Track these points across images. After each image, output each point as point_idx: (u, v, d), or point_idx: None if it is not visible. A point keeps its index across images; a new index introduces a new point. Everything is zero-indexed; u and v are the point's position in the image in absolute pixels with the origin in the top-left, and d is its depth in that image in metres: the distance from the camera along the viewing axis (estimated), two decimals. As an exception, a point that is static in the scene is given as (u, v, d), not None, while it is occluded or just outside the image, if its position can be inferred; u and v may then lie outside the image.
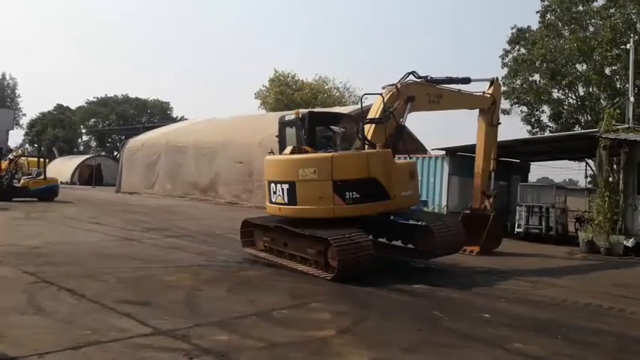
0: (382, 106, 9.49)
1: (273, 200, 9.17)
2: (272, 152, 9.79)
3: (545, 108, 30.48)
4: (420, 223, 9.48)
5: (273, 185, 9.16)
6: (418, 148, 23.14)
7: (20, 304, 5.80)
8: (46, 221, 14.95)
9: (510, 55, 30.63)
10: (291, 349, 4.83)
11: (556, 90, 29.66)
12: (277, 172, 9.21)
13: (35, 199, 21.75)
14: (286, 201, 8.80)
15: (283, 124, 9.98)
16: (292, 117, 9.75)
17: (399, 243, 10.07)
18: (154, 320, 5.38)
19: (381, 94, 9.69)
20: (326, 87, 50.96)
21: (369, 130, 9.34)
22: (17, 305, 5.76)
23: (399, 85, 9.86)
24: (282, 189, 8.85)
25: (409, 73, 10.34)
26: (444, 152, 17.68)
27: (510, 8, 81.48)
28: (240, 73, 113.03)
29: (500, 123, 13.25)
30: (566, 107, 30.13)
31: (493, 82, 12.73)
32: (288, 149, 9.18)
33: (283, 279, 8.16)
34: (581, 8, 28.12)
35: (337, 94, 50.16)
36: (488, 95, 12.50)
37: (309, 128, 9.36)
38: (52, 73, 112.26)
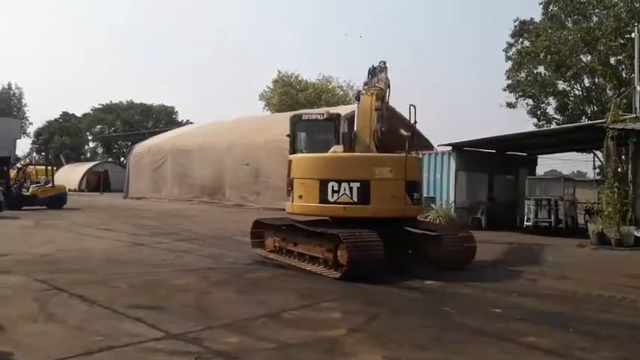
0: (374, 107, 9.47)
1: (333, 200, 8.74)
2: (301, 151, 9.69)
3: (551, 100, 30.32)
4: (432, 232, 9.37)
5: (333, 184, 8.74)
6: (424, 144, 23.08)
7: (32, 312, 5.84)
8: (55, 229, 15.04)
9: (514, 48, 30.45)
10: (302, 350, 4.83)
11: (561, 82, 29.47)
12: (342, 170, 8.89)
13: (44, 207, 21.89)
14: (355, 200, 8.66)
15: (302, 123, 9.95)
16: (318, 117, 9.83)
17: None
18: (165, 324, 5.40)
19: (371, 95, 9.62)
20: (330, 86, 50.92)
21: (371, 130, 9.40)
22: (29, 313, 5.80)
23: (382, 85, 9.77)
24: (351, 188, 8.66)
25: (375, 68, 10.07)
26: (450, 148, 17.63)
27: (512, 1, 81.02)
28: (244, 75, 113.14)
29: None
30: (571, 99, 29.95)
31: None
32: (338, 147, 9.18)
33: (293, 279, 8.16)
34: (583, -1, 27.94)
35: (341, 93, 50.10)
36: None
37: (348, 128, 9.71)
38: (57, 81, 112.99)
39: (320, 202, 8.83)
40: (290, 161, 9.53)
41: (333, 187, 8.73)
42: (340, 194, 8.73)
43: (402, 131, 9.42)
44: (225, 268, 9.15)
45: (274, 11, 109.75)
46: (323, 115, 9.93)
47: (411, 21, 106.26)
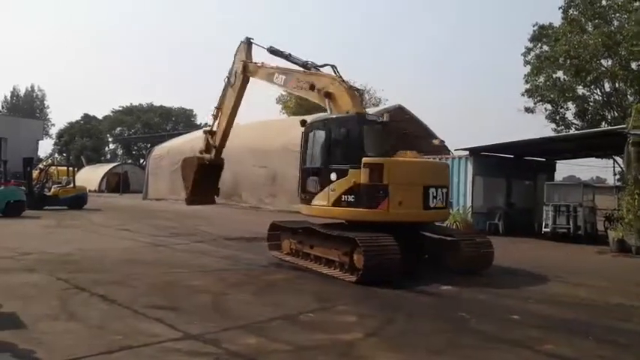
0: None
1: (433, 205, 8.85)
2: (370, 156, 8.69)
3: (570, 105, 29.91)
4: (449, 237, 9.33)
5: (432, 190, 8.85)
6: (441, 148, 22.97)
7: (54, 310, 5.96)
8: (76, 229, 15.30)
9: (532, 53, 30.16)
10: (318, 353, 4.86)
11: (581, 86, 29.07)
12: (435, 176, 9.32)
13: (65, 207, 22.24)
14: (443, 205, 9.14)
15: (368, 124, 9.23)
16: (380, 118, 9.51)
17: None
18: (183, 325, 5.48)
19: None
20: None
21: None
22: (51, 311, 5.92)
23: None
24: (443, 193, 9.10)
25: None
26: (467, 152, 17.52)
27: (529, 5, 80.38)
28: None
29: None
30: (591, 104, 29.53)
31: None
32: (411, 153, 9.23)
33: (309, 282, 8.19)
34: (604, 3, 27.55)
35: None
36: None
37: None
38: (79, 83, 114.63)
39: (424, 209, 8.81)
40: (380, 164, 8.53)
41: (432, 192, 8.88)
42: (437, 199, 8.93)
43: (435, 140, 9.64)
44: (241, 270, 9.23)
45: (293, 15, 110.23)
46: (382, 116, 9.66)
47: (425, 26, 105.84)
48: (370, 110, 26.00)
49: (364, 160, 8.55)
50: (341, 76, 10.11)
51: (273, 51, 11.68)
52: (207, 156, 12.92)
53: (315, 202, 9.16)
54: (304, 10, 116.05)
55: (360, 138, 8.98)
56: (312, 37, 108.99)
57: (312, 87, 10.09)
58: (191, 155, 13.87)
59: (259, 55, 12.04)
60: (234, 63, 12.29)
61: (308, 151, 9.79)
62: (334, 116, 9.44)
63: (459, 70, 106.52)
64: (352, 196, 8.55)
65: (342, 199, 8.65)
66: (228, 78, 12.40)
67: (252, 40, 12.17)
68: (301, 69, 10.98)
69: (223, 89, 12.58)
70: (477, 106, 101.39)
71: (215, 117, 13.07)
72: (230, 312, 6.28)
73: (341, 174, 8.74)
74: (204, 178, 12.72)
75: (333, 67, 10.38)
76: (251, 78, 12.02)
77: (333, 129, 9.31)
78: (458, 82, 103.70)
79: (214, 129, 13.01)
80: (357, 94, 10.15)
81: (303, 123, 10.11)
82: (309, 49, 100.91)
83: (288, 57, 11.40)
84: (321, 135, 9.52)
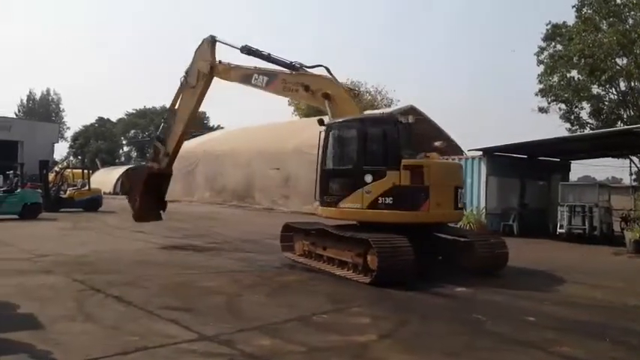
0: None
1: (459, 206, 9.32)
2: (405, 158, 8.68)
3: (585, 104, 29.63)
4: (463, 238, 9.26)
5: (460, 191, 9.36)
6: (454, 149, 22.86)
7: (71, 311, 6.03)
8: (91, 231, 15.46)
9: (546, 52, 29.92)
10: (332, 354, 4.87)
11: (595, 86, 28.77)
12: (460, 177, 9.69)
13: (80, 210, 22.48)
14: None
15: (401, 126, 9.03)
16: (407, 119, 9.21)
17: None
18: (198, 326, 5.51)
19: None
20: (357, 91, 50.83)
21: None
22: (68, 312, 5.98)
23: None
24: (463, 194, 9.69)
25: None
26: (480, 153, 17.41)
27: (541, 4, 79.64)
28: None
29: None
30: (606, 103, 29.21)
31: None
32: (433, 154, 9.28)
33: (322, 283, 8.20)
34: (619, 1, 27.23)
35: (369, 98, 49.99)
36: None
37: None
38: (93, 86, 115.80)
39: (454, 209, 9.05)
40: (420, 166, 8.60)
41: (459, 193, 9.15)
42: (460, 200, 9.17)
43: (436, 143, 9.62)
44: (255, 271, 9.26)
45: (303, 17, 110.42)
46: (409, 118, 9.49)
47: (438, 26, 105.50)
48: (379, 111, 25.99)
49: (404, 162, 8.53)
50: (335, 78, 9.94)
51: (249, 50, 10.88)
52: (156, 165, 12.09)
53: (344, 204, 8.87)
54: (311, 11, 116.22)
55: (398, 139, 8.89)
56: (312, 37, 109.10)
57: (306, 88, 9.90)
58: (141, 165, 13.17)
59: (227, 56, 11.49)
60: (194, 62, 11.58)
61: (331, 151, 9.43)
62: (369, 116, 9.54)
63: (468, 70, 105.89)
64: (391, 198, 8.44)
65: (379, 202, 8.50)
66: (186, 78, 11.63)
67: (216, 39, 11.51)
68: (286, 70, 10.50)
69: (179, 90, 11.75)
70: (487, 106, 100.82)
71: (166, 121, 12.19)
72: (244, 313, 6.30)
73: (377, 175, 8.58)
74: (152, 190, 11.98)
75: (326, 68, 10.01)
76: (218, 79, 11.39)
77: (369, 129, 9.13)
78: (466, 82, 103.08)
79: (162, 136, 12.25)
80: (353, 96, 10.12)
81: (321, 122, 9.62)
82: (309, 48, 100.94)
83: (268, 57, 10.76)
84: (349, 135, 9.33)
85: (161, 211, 12.63)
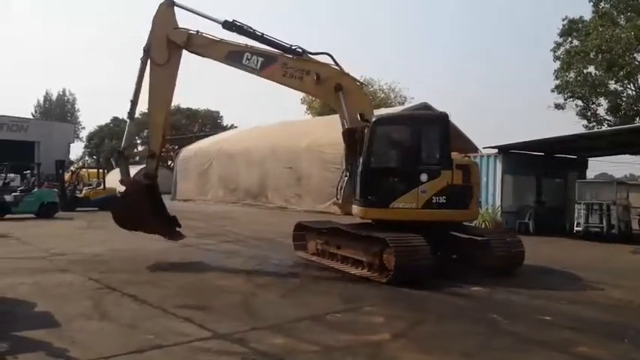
0: None
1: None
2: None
3: (602, 101, 29.22)
4: (479, 237, 9.17)
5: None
6: (469, 146, 22.66)
7: (87, 310, 6.10)
8: (106, 229, 15.53)
9: (562, 48, 29.54)
10: (346, 353, 4.85)
11: (613, 81, 28.36)
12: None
13: (96, 209, 22.70)
14: None
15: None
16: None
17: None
18: (212, 324, 5.53)
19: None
20: (371, 89, 50.72)
21: None
22: (84, 311, 6.05)
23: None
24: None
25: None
26: (496, 150, 17.24)
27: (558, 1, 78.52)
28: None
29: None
30: (624, 99, 28.76)
31: None
32: (457, 154, 9.40)
33: (336, 282, 8.17)
34: (637, -5, 26.84)
35: (382, 96, 49.81)
36: None
37: None
38: (108, 86, 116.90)
39: (479, 206, 9.93)
40: (467, 165, 8.92)
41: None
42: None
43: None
44: (269, 270, 9.28)
45: (316, 14, 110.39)
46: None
47: (451, 23, 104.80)
48: (397, 109, 25.88)
49: (456, 161, 8.79)
50: (341, 67, 9.24)
51: (234, 27, 9.13)
52: (145, 179, 9.75)
53: (397, 204, 8.57)
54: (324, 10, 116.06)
55: (449, 137, 8.94)
56: (318, 36, 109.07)
57: (317, 77, 8.95)
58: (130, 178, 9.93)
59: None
60: (155, 33, 9.40)
61: (379, 149, 9.06)
62: (422, 113, 9.42)
63: (482, 67, 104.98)
64: (444, 197, 8.52)
65: (433, 201, 8.52)
66: (148, 53, 9.32)
67: (176, 2, 9.48)
68: (284, 54, 9.25)
69: (141, 71, 9.44)
70: (502, 103, 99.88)
71: (131, 115, 9.79)
72: (258, 312, 6.31)
73: (433, 175, 8.57)
74: (155, 204, 9.92)
75: (331, 56, 9.19)
76: (189, 54, 9.35)
77: (423, 127, 9.06)
78: (481, 79, 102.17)
79: (126, 146, 10.36)
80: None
81: (362, 117, 9.12)
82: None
83: (261, 37, 9.25)
84: (401, 132, 9.22)
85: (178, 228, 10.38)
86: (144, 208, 9.48)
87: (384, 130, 9.14)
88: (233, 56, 9.24)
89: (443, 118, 9.11)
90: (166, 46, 9.33)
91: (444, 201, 8.51)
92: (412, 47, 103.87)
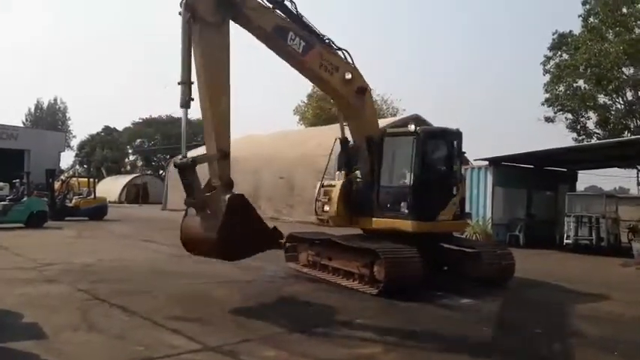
0: None
1: None
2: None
3: (591, 114, 29.60)
4: (470, 249, 9.22)
5: None
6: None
7: (75, 321, 6.01)
8: (96, 239, 15.47)
9: (552, 62, 29.94)
10: (337, 366, 4.82)
11: (602, 95, 28.75)
12: None
13: (86, 218, 22.55)
14: None
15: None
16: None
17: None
18: (202, 336, 5.49)
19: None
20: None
21: None
22: (72, 322, 5.97)
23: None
24: None
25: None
26: (486, 163, 17.35)
27: (548, 13, 79.63)
28: (279, 88, 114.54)
29: None
30: (613, 113, 29.16)
31: None
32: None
33: (327, 294, 8.14)
34: (625, 10, 27.26)
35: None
36: None
37: None
38: (99, 96, 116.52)
39: None
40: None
41: None
42: None
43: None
44: (261, 281, 9.24)
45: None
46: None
47: (443, 35, 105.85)
48: (388, 121, 26.01)
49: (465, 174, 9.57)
50: (356, 67, 8.66)
51: (278, 2, 7.74)
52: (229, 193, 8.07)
53: (442, 217, 8.68)
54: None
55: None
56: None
57: (346, 76, 8.33)
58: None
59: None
60: None
61: (427, 161, 8.90)
62: (447, 128, 9.46)
63: (475, 81, 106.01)
64: (459, 209, 9.11)
65: (456, 213, 8.99)
66: (193, 12, 6.72)
67: None
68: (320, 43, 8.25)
69: (187, 36, 6.76)
70: (493, 114, 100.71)
71: (187, 101, 7.01)
72: (249, 324, 6.27)
73: (458, 187, 9.13)
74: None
75: (349, 54, 8.53)
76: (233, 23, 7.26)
77: (453, 142, 9.25)
78: (473, 90, 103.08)
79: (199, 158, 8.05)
80: None
81: (415, 128, 8.90)
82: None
83: (300, 20, 7.97)
84: (441, 145, 9.29)
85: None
86: (250, 224, 7.35)
87: (433, 143, 9.15)
88: (279, 31, 7.73)
89: (461, 133, 9.36)
90: (216, 3, 7.00)
91: (459, 212, 9.05)
92: (400, 60, 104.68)
